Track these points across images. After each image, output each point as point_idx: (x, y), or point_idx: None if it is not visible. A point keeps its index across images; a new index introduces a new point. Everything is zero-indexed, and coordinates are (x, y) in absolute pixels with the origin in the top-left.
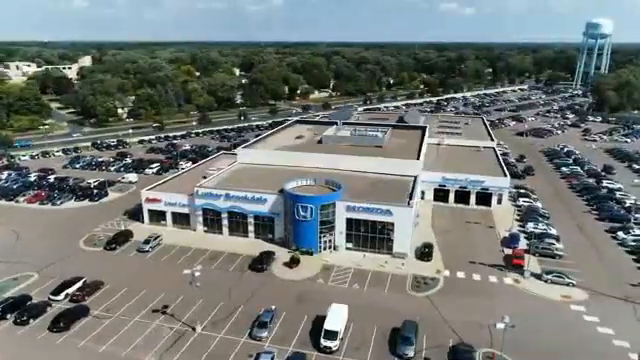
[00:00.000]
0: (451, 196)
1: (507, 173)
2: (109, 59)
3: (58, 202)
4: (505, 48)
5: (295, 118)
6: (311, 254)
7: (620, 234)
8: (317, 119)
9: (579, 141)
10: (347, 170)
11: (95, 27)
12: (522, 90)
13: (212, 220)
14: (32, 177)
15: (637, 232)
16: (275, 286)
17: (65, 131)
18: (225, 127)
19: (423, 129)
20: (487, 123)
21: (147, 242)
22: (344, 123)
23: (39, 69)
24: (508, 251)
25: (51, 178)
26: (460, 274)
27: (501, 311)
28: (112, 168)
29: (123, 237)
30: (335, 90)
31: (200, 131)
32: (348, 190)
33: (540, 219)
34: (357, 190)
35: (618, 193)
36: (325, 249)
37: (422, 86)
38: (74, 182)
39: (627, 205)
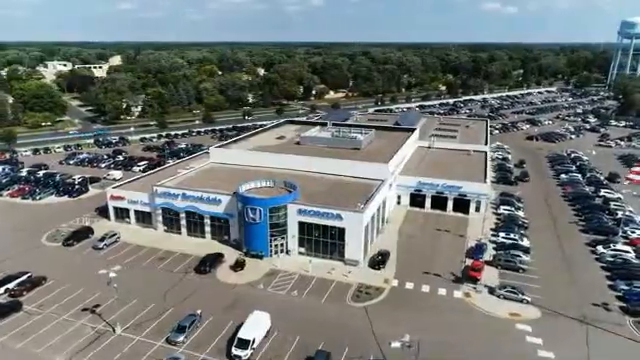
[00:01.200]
0: (427, 201)
1: (487, 179)
2: (142, 58)
3: (37, 197)
4: (546, 49)
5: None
6: (261, 257)
7: (599, 248)
8: (306, 119)
9: (593, 146)
10: (315, 172)
11: (141, 28)
12: (549, 92)
13: (171, 220)
14: (23, 172)
15: (618, 247)
16: (213, 290)
17: (77, 128)
18: (227, 126)
19: (411, 131)
20: (489, 126)
21: (102, 239)
22: (334, 124)
23: (70, 68)
24: (470, 262)
25: (40, 173)
26: (409, 285)
27: (436, 326)
28: (103, 165)
29: (82, 234)
30: (352, 91)
31: (202, 130)
32: (309, 193)
33: (516, 229)
34: (318, 193)
35: (614, 203)
36: (276, 253)
37: (443, 87)
38: (61, 178)
39: (619, 217)
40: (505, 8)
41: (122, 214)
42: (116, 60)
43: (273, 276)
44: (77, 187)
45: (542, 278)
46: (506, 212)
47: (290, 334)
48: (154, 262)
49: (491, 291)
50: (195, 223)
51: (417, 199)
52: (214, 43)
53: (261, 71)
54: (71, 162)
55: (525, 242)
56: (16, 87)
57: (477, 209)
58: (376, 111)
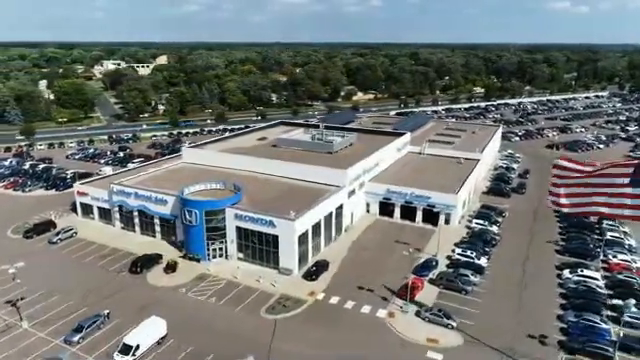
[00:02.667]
0: (397, 211)
1: (464, 190)
2: (191, 58)
3: (27, 189)
4: (611, 50)
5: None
6: (198, 260)
7: (565, 273)
8: (304, 121)
9: (620, 157)
10: (275, 175)
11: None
12: (598, 97)
13: (127, 218)
14: (26, 165)
15: (586, 273)
16: (136, 291)
17: (103, 124)
18: (239, 126)
19: (400, 136)
20: (510, 132)
21: (57, 234)
22: (326, 127)
23: (119, 67)
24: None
25: (40, 167)
26: (334, 299)
27: (339, 345)
28: (102, 161)
29: (44, 227)
30: (382, 92)
31: (214, 129)
32: (261, 197)
33: (480, 246)
34: (269, 197)
35: (607, 222)
36: (215, 257)
37: (480, 90)
38: (57, 172)
39: (607, 238)
40: (576, 8)
41: (87, 210)
42: (162, 59)
43: (201, 280)
44: (68, 181)
45: (486, 302)
46: (478, 226)
47: (185, 342)
48: (96, 259)
49: (418, 312)
50: (147, 222)
51: (386, 208)
52: (272, 44)
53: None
54: (76, 157)
55: (482, 261)
56: (55, 85)
57: (447, 221)
58: (397, 114)
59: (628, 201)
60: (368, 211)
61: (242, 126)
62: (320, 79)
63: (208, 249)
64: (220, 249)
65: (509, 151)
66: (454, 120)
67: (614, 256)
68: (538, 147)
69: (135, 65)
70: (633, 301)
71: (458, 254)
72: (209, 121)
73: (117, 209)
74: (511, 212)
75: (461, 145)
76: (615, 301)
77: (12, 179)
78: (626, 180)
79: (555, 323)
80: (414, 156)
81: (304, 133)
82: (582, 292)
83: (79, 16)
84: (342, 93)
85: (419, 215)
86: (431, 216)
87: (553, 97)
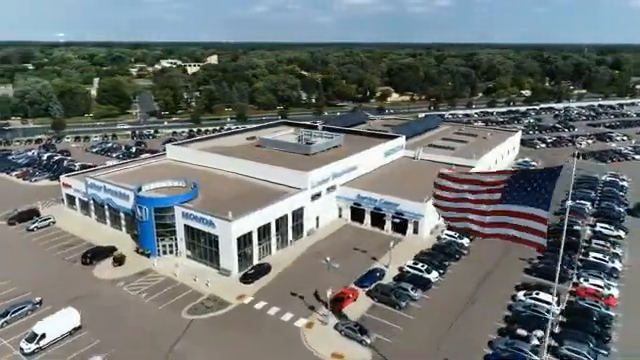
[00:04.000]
0: (367, 217)
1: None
2: (246, 58)
3: (33, 179)
4: None
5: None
6: (148, 256)
7: (519, 294)
8: (303, 122)
9: None
10: (245, 175)
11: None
12: None
13: (100, 210)
14: (45, 157)
15: (542, 296)
16: (78, 281)
17: (136, 119)
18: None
19: (392, 139)
20: (537, 139)
21: (35, 222)
22: (324, 128)
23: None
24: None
25: (55, 158)
26: (260, 304)
27: (241, 349)
28: (114, 155)
29: (27, 215)
30: (420, 94)
31: (233, 127)
32: (223, 196)
33: (440, 258)
34: (230, 197)
35: (597, 242)
36: (166, 253)
37: (528, 92)
38: (68, 164)
39: (588, 259)
40: None
41: (72, 201)
42: (214, 59)
43: (142, 276)
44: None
45: (417, 320)
46: (447, 238)
47: (96, 335)
48: (59, 248)
49: (337, 325)
50: (115, 216)
51: (358, 214)
52: (334, 44)
53: None
54: (94, 150)
55: (432, 275)
56: (101, 82)
57: (415, 231)
58: (426, 116)
59: (497, 219)
60: (340, 216)
61: (259, 125)
62: (356, 79)
63: (158, 245)
64: (170, 246)
65: (525, 159)
66: (476, 124)
67: (586, 280)
68: (564, 155)
69: (187, 64)
70: (540, 333)
71: (408, 266)
72: (229, 119)
73: (92, 202)
74: None
75: (462, 151)
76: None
77: (25, 169)
78: (497, 195)
79: (484, 349)
80: (407, 161)
81: (292, 134)
82: (526, 317)
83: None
84: (378, 94)
85: (388, 223)
86: (401, 224)
87: (607, 102)
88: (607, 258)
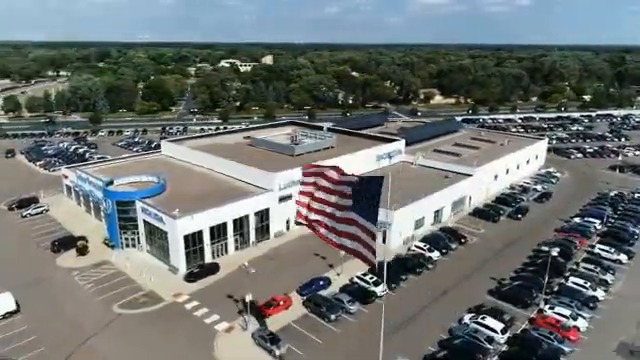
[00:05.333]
0: None
1: (402, 207)
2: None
3: (52, 169)
4: None
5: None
6: (112, 247)
7: (465, 318)
8: (309, 122)
9: None
10: (222, 173)
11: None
12: None
13: (87, 201)
14: (72, 148)
15: (489, 322)
16: (39, 268)
17: (174, 116)
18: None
19: (389, 142)
20: (540, 146)
21: (29, 209)
22: (329, 129)
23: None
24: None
25: (80, 150)
26: (192, 304)
27: (152, 350)
28: (134, 149)
29: (26, 202)
30: (466, 96)
31: (256, 125)
32: (187, 193)
33: (396, 271)
34: (194, 195)
35: (585, 265)
36: (129, 246)
37: (587, 97)
38: (88, 156)
39: (568, 284)
40: None
41: (70, 191)
42: (269, 59)
43: (97, 267)
44: None
45: (344, 335)
46: (416, 250)
47: (24, 322)
48: (42, 235)
49: (254, 332)
50: (97, 207)
51: None
52: (404, 45)
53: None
54: (119, 144)
55: (378, 288)
56: (148, 80)
57: (384, 240)
58: (463, 120)
59: (346, 228)
60: None
61: (267, 124)
62: (399, 81)
63: (121, 238)
64: (132, 239)
65: (548, 169)
66: (513, 130)
67: (551, 307)
68: (600, 167)
69: (242, 64)
70: None
71: (357, 277)
72: (256, 118)
73: (81, 192)
74: (481, 239)
75: (467, 158)
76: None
77: (48, 159)
78: (349, 202)
79: None
80: (404, 166)
81: (286, 134)
82: (460, 344)
83: (232, 19)
84: (421, 96)
85: None
86: None
87: None
88: (589, 285)
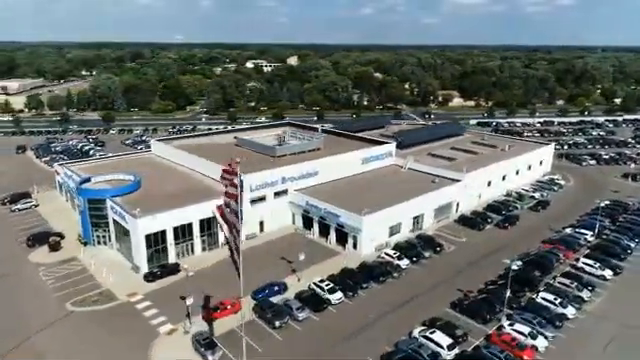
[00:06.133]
0: (315, 226)
1: (374, 212)
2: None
3: (54, 165)
4: None
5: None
6: (85, 244)
7: (415, 331)
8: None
9: None
10: (201, 173)
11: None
12: None
13: (72, 198)
14: (79, 146)
15: (436, 337)
16: (10, 262)
17: (188, 115)
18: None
19: (379, 144)
20: (545, 152)
21: (17, 204)
22: (323, 131)
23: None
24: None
25: (86, 148)
26: (144, 304)
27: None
28: (139, 147)
29: (18, 197)
30: (486, 99)
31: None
32: (161, 192)
33: (358, 278)
34: (166, 194)
35: (561, 280)
36: (100, 243)
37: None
38: (92, 153)
39: (536, 300)
40: None
41: (61, 187)
42: (293, 60)
43: (65, 263)
44: None
45: (286, 343)
46: (386, 258)
47: None
48: (23, 230)
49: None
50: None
51: (309, 222)
52: (440, 46)
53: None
54: (127, 142)
55: (335, 296)
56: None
57: (354, 246)
58: (478, 124)
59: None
60: (294, 223)
61: (263, 124)
62: (417, 82)
63: (93, 235)
64: (104, 237)
65: (551, 176)
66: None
67: (511, 324)
68: (612, 175)
69: (267, 64)
70: None
71: (314, 283)
72: (264, 118)
73: (67, 189)
74: (460, 247)
75: (461, 163)
76: None
77: (53, 156)
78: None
79: None
80: (392, 170)
81: (274, 135)
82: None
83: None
84: (439, 98)
85: (332, 234)
86: (343, 237)
87: None
88: (559, 301)
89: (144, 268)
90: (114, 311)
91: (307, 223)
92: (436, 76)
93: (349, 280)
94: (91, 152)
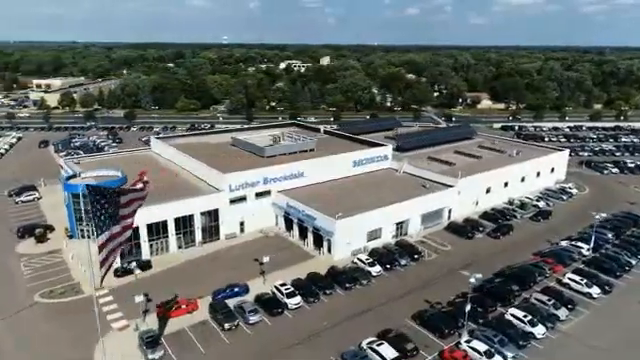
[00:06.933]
0: (295, 228)
1: (348, 216)
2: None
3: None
4: None
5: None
6: (71, 237)
7: (363, 343)
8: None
9: None
10: (190, 172)
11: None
12: None
13: None
14: (97, 141)
15: (384, 351)
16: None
17: (210, 115)
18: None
19: (373, 146)
20: (558, 158)
21: (20, 195)
22: (325, 132)
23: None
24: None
25: (103, 144)
26: (106, 299)
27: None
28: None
29: (25, 189)
30: (516, 102)
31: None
32: (150, 189)
33: (324, 283)
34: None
35: (538, 297)
36: (84, 237)
37: None
38: (107, 149)
39: (505, 317)
40: None
41: None
42: (326, 60)
43: (47, 255)
44: None
45: (233, 345)
46: (359, 264)
47: None
48: (20, 220)
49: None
50: None
51: (290, 223)
52: (487, 47)
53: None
54: (143, 139)
55: (292, 300)
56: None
57: (329, 249)
58: (502, 127)
59: None
60: (277, 224)
61: (269, 124)
62: (445, 82)
63: (77, 229)
64: (87, 230)
65: (565, 184)
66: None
67: (467, 341)
68: (633, 185)
69: (299, 65)
70: None
71: (275, 287)
72: (280, 118)
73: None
74: (442, 256)
75: (460, 168)
76: None
77: (71, 151)
78: None
79: None
80: (386, 174)
81: (268, 135)
82: None
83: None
84: (467, 100)
85: (310, 237)
86: (319, 241)
87: None
88: (528, 319)
89: (116, 263)
90: (76, 304)
91: (289, 225)
92: (466, 77)
93: (314, 285)
94: (105, 148)
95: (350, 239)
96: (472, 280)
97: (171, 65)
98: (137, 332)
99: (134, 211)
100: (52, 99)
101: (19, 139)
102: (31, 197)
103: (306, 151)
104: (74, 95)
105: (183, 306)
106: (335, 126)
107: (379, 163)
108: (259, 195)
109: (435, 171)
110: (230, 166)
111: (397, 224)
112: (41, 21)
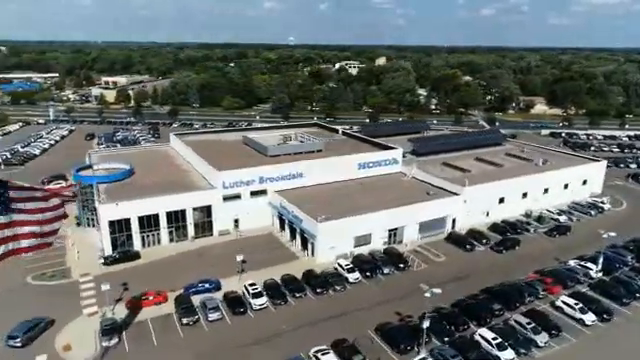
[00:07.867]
0: (287, 229)
1: (335, 219)
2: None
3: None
4: None
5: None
6: (78, 225)
7: (312, 351)
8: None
9: None
10: (193, 167)
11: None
12: None
13: None
14: (136, 135)
15: None
16: None
17: (252, 112)
18: (344, 127)
19: (384, 149)
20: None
21: (50, 184)
22: (343, 133)
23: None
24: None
25: (140, 138)
26: (87, 285)
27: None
28: None
29: (55, 178)
30: (575, 107)
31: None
32: (149, 183)
33: (299, 286)
34: (153, 185)
35: (527, 320)
36: (89, 225)
37: None
38: (142, 142)
39: (473, 337)
40: None
41: None
42: (382, 60)
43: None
44: None
45: (187, 340)
46: (338, 269)
47: None
48: None
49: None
50: None
51: (283, 223)
52: (565, 48)
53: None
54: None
55: (258, 301)
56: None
57: (313, 252)
58: (551, 134)
59: None
60: (273, 224)
61: (291, 124)
62: (497, 85)
63: (84, 217)
64: (92, 219)
65: (598, 198)
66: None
67: (424, 359)
68: None
69: (354, 65)
70: None
71: (244, 286)
72: (315, 118)
73: None
74: (433, 267)
75: (474, 176)
76: None
77: (109, 143)
78: None
79: None
80: (394, 178)
81: (280, 135)
82: None
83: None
84: (521, 104)
85: (298, 239)
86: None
87: None
88: (497, 342)
89: (108, 252)
90: (60, 288)
91: (282, 225)
92: (523, 81)
93: (285, 287)
94: (142, 142)
95: (334, 243)
96: (427, 295)
97: (222, 65)
98: (100, 319)
99: (38, 221)
100: (110, 95)
101: (71, 131)
102: (57, 185)
103: (313, 152)
104: (130, 92)
105: (150, 297)
106: (341, 128)
107: (388, 167)
108: (254, 194)
109: (446, 178)
110: (229, 164)
111: (390, 231)
112: (132, 23)
